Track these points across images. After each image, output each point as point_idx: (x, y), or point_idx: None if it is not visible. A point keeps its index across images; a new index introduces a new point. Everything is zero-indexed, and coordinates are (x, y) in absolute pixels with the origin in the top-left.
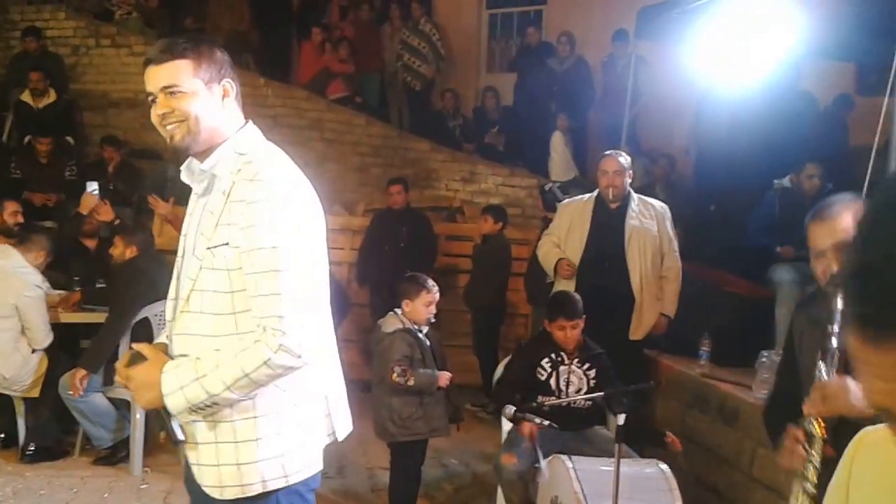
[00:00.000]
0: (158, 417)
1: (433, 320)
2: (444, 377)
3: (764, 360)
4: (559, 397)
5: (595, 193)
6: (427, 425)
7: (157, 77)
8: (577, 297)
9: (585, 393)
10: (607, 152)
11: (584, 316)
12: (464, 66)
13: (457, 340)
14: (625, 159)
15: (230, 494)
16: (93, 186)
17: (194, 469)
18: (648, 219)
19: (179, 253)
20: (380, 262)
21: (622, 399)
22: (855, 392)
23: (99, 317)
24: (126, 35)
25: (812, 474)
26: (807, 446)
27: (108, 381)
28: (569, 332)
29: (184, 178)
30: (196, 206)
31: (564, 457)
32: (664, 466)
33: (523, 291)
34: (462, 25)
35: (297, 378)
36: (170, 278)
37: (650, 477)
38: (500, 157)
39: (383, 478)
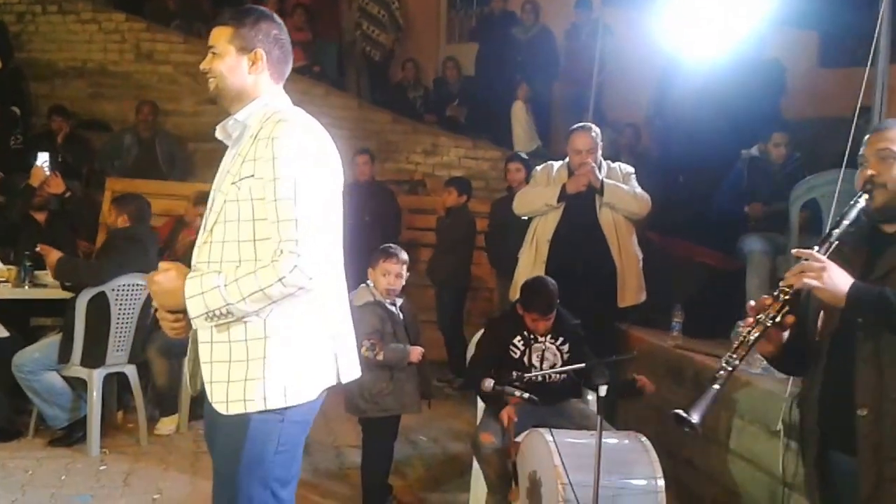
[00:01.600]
0: (117, 396)
1: (397, 292)
2: (416, 352)
3: (739, 329)
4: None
5: (566, 162)
6: (397, 401)
7: (211, 36)
8: (553, 286)
9: (559, 367)
10: (578, 126)
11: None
12: (423, 36)
13: (421, 315)
14: (595, 133)
15: (234, 409)
16: (43, 158)
17: (207, 388)
18: (615, 181)
19: (208, 206)
20: (345, 237)
21: (604, 370)
22: (832, 277)
23: (47, 292)
24: (74, 2)
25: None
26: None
27: (64, 358)
28: (540, 323)
29: (218, 134)
30: (227, 157)
31: (543, 430)
32: (643, 438)
33: (487, 265)
34: None
35: (307, 308)
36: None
37: (630, 449)
38: (462, 129)
39: (351, 456)
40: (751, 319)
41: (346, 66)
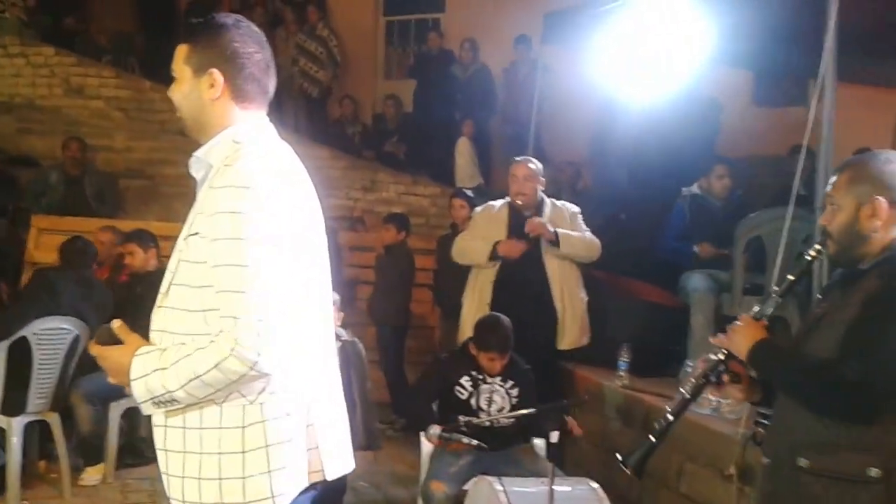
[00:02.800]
0: (39, 445)
1: (339, 333)
2: None
3: (689, 369)
4: (481, 417)
5: (507, 200)
6: None
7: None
8: (508, 324)
9: (509, 412)
10: (518, 158)
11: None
12: (361, 72)
13: None
14: (535, 165)
15: None
16: None
17: (163, 479)
18: (562, 223)
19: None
20: None
21: (555, 416)
22: (734, 342)
23: None
24: (1, 35)
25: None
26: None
27: None
28: (497, 362)
29: (191, 169)
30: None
31: (492, 479)
32: (595, 485)
33: (428, 303)
34: (358, 31)
35: (269, 392)
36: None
37: (582, 497)
38: (401, 165)
39: None
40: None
41: (282, 102)
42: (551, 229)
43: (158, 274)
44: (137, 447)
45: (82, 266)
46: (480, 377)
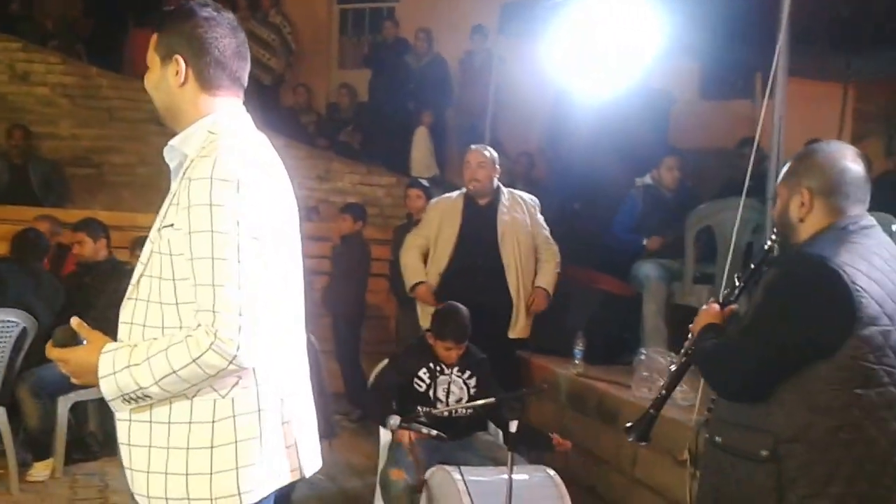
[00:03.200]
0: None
1: None
2: None
3: (642, 357)
4: (439, 408)
5: (464, 190)
6: None
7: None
8: (466, 313)
9: (467, 402)
10: (473, 146)
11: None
12: (315, 61)
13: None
14: (490, 153)
15: None
16: None
17: (126, 473)
18: (520, 213)
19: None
20: None
21: (514, 405)
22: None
23: None
24: None
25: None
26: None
27: None
28: (454, 351)
29: (166, 157)
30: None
31: (451, 468)
32: (552, 472)
33: (384, 293)
34: (312, 19)
35: (241, 387)
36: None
37: (540, 485)
38: (356, 154)
39: None
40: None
41: None
42: (546, 294)
43: (108, 264)
44: (86, 442)
45: (33, 258)
46: (438, 368)
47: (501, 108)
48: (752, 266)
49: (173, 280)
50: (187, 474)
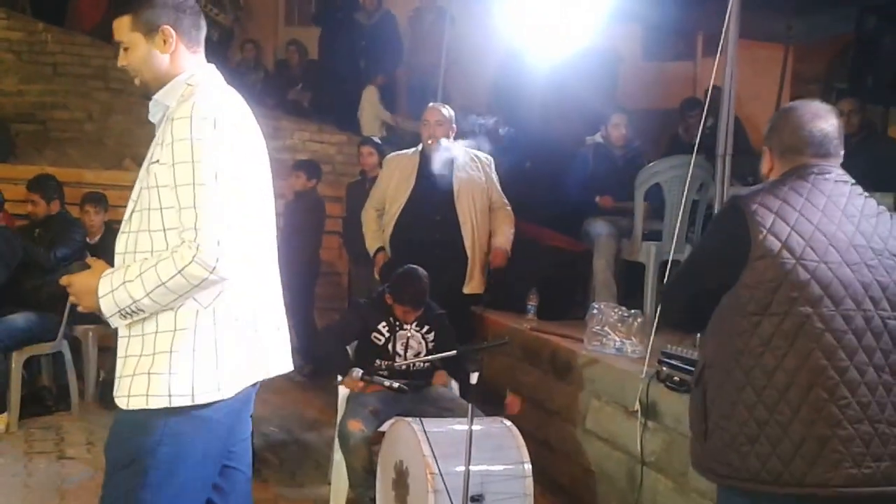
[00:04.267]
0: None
1: None
2: None
3: (595, 311)
4: (398, 362)
5: (420, 147)
6: None
7: (114, 31)
8: (426, 279)
9: (425, 356)
10: (431, 104)
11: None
12: (262, 17)
13: None
14: (447, 111)
15: (135, 404)
16: None
17: (115, 383)
18: (475, 170)
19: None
20: None
21: (475, 357)
22: None
23: None
24: None
25: None
26: None
27: None
28: (411, 314)
29: (150, 114)
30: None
31: (410, 419)
32: (509, 423)
33: (336, 249)
34: None
35: (221, 299)
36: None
37: (498, 435)
38: (305, 112)
39: None
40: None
41: None
42: (505, 251)
43: (59, 216)
44: (41, 396)
45: None
46: (396, 324)
47: (451, 66)
48: None
49: (160, 209)
50: (170, 373)
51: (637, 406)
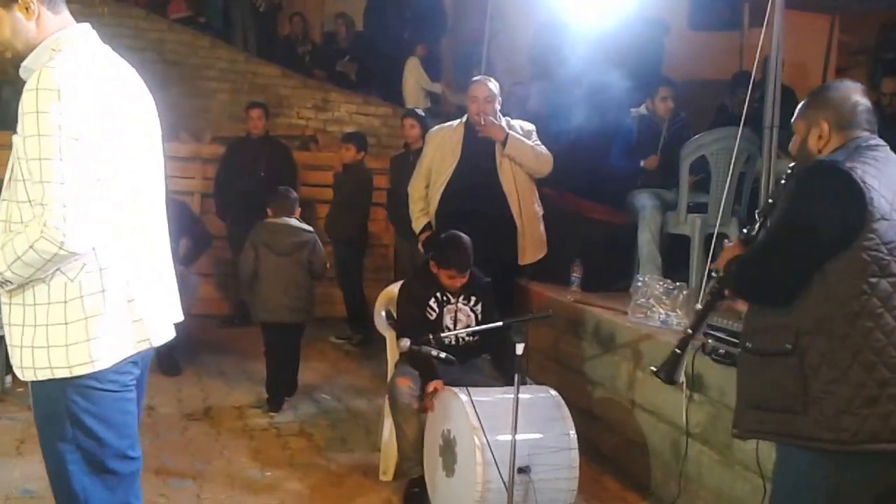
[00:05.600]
0: (4, 361)
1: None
2: None
3: (639, 284)
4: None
5: (464, 119)
6: None
7: None
8: (469, 244)
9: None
10: (476, 78)
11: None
12: None
13: None
14: (494, 84)
15: (27, 376)
16: None
17: (10, 351)
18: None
19: None
20: (239, 193)
21: (521, 328)
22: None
23: None
24: None
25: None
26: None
27: None
28: (457, 280)
29: (23, 78)
30: None
31: (457, 389)
32: (554, 392)
33: (382, 221)
34: None
35: (86, 271)
36: None
37: (544, 405)
38: (352, 85)
39: (254, 418)
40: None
41: (232, 18)
42: (504, 131)
43: None
44: None
45: None
46: (444, 298)
47: (495, 36)
48: (771, 201)
49: (23, 181)
50: (48, 347)
51: (682, 378)
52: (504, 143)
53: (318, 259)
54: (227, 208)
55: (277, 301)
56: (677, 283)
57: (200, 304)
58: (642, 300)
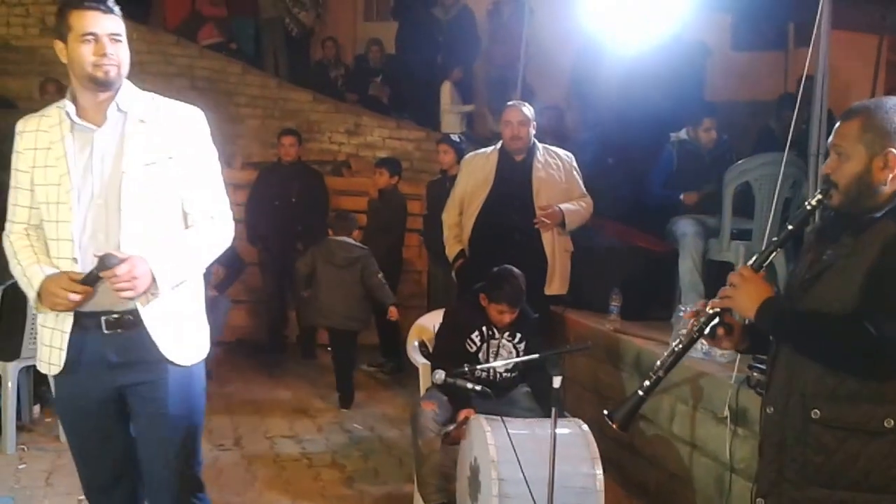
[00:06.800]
0: (32, 390)
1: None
2: None
3: (681, 314)
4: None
5: (499, 146)
6: None
7: (104, 23)
8: (521, 279)
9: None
10: (510, 102)
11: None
12: (340, 12)
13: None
14: (528, 109)
15: (201, 355)
16: None
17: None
18: (555, 169)
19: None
20: (270, 219)
21: (557, 361)
22: (740, 299)
23: None
24: None
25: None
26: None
27: None
28: (507, 315)
29: (75, 118)
30: (91, 140)
31: (487, 418)
32: (584, 427)
33: (416, 247)
34: None
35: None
36: None
37: (571, 441)
38: (384, 108)
39: (284, 446)
40: (684, 330)
41: (263, 44)
42: (560, 215)
43: None
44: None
45: None
46: (490, 332)
47: (530, 60)
48: (790, 227)
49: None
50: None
51: (726, 412)
52: (564, 225)
53: (370, 273)
54: (258, 234)
55: (332, 308)
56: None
57: (232, 331)
58: (684, 331)
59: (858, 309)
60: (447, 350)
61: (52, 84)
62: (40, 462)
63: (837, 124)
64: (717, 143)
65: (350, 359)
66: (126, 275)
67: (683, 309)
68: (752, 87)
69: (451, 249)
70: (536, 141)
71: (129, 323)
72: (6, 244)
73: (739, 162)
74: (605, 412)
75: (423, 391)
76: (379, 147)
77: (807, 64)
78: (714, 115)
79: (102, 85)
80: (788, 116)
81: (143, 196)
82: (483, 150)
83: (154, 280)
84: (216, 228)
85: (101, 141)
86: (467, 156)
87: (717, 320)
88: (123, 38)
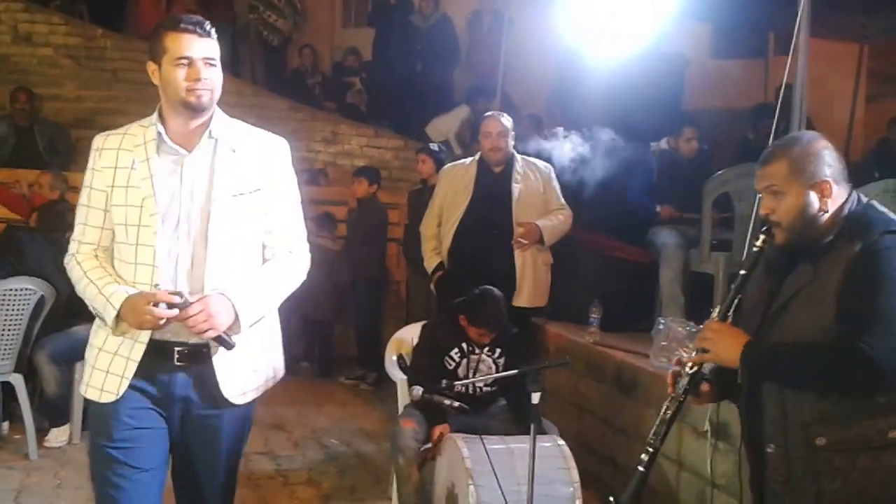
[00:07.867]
0: (1, 407)
1: None
2: None
3: (661, 327)
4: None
5: (477, 157)
6: None
7: (199, 47)
8: (502, 301)
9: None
10: (488, 113)
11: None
12: (318, 19)
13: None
14: (507, 120)
15: (248, 398)
16: None
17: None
18: (533, 181)
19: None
20: None
21: (537, 377)
22: (720, 350)
23: None
24: None
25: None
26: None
27: None
28: (487, 337)
29: (166, 139)
30: (181, 164)
31: (462, 437)
32: (561, 442)
33: (395, 257)
34: None
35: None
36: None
37: (549, 456)
38: (363, 117)
39: (259, 464)
40: (669, 389)
41: (240, 51)
42: (538, 233)
43: None
44: None
45: (57, 229)
46: (470, 348)
47: (509, 69)
48: (743, 273)
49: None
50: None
51: (707, 426)
52: (543, 241)
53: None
54: None
55: None
56: (700, 326)
57: None
58: (664, 343)
59: (843, 332)
60: (425, 365)
61: (21, 93)
62: (8, 481)
63: (760, 168)
64: (697, 153)
65: None
66: (201, 314)
67: (663, 322)
68: (732, 95)
69: (430, 262)
70: (515, 152)
71: (201, 356)
72: (71, 264)
73: (719, 172)
74: (611, 499)
75: (401, 407)
76: (357, 155)
77: (786, 72)
78: (694, 125)
79: (195, 110)
80: (765, 126)
81: (229, 227)
82: (461, 161)
83: (237, 317)
84: (294, 264)
85: (192, 167)
86: (445, 167)
87: (699, 377)
88: (218, 62)
